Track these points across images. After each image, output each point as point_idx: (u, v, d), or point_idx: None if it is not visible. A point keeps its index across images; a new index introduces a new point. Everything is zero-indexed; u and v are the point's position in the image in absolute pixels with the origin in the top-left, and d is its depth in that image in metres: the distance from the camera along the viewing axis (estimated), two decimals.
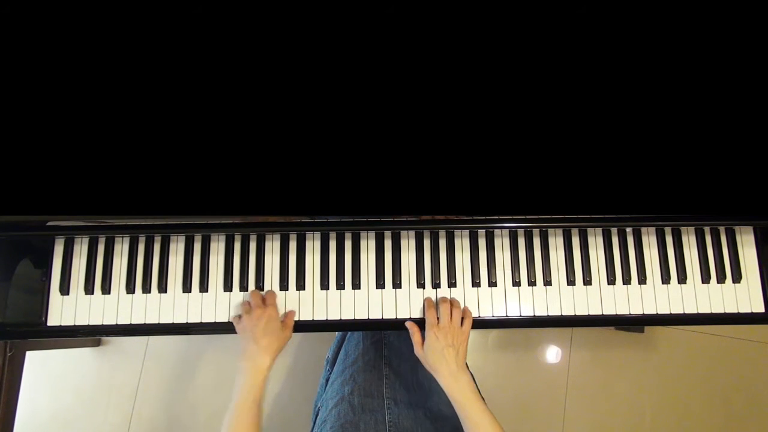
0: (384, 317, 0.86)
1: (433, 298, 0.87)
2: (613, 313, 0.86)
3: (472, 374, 0.95)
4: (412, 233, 0.88)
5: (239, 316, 0.84)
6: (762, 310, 0.86)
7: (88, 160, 0.67)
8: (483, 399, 0.76)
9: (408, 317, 0.86)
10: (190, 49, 0.67)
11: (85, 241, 0.87)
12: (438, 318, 0.81)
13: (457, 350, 0.78)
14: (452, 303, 0.84)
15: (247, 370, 0.76)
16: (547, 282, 0.87)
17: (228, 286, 0.87)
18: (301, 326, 0.86)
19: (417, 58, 0.68)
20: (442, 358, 0.77)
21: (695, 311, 0.86)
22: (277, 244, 0.88)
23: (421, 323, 0.84)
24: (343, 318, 0.86)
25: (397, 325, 0.87)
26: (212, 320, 0.86)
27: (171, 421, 1.53)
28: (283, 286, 0.87)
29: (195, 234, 0.88)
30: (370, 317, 0.86)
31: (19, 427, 1.15)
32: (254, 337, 0.78)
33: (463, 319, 0.83)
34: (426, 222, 0.84)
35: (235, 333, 0.84)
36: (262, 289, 0.87)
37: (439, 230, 0.88)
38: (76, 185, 0.67)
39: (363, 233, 0.88)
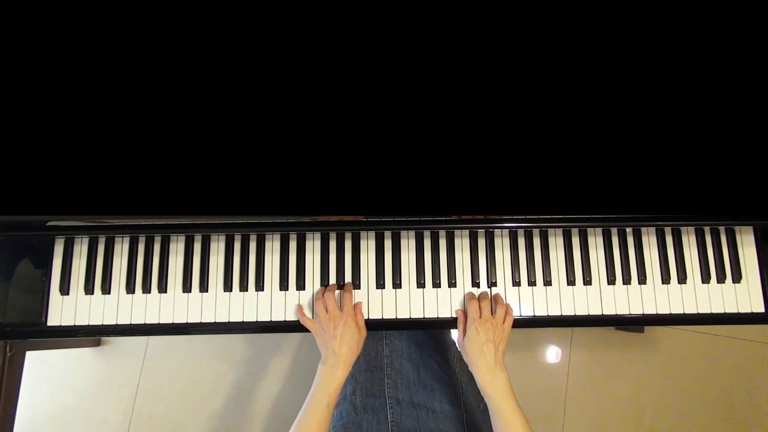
0: (384, 317, 0.86)
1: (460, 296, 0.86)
2: (613, 313, 0.86)
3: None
4: (412, 233, 0.88)
5: (312, 313, 0.83)
6: (762, 310, 0.86)
7: (88, 160, 0.67)
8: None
9: (408, 317, 0.86)
10: (189, 48, 0.67)
11: (85, 241, 0.87)
12: (480, 312, 0.81)
13: (497, 346, 0.78)
14: (496, 299, 0.84)
15: (325, 375, 0.77)
16: (547, 282, 0.87)
17: (228, 286, 0.87)
18: (300, 326, 0.86)
19: (416, 57, 0.68)
20: (481, 354, 0.77)
21: (695, 311, 0.86)
22: (277, 244, 0.88)
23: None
24: None
25: (398, 324, 0.87)
26: (212, 320, 0.86)
27: (171, 421, 1.53)
28: (283, 286, 0.87)
29: (195, 234, 0.88)
30: (370, 317, 0.86)
31: (19, 427, 1.15)
32: (333, 347, 0.78)
33: (505, 316, 0.82)
34: (426, 222, 0.84)
35: (233, 333, 0.83)
36: (263, 289, 0.87)
37: (439, 230, 0.88)
38: (76, 185, 0.67)
39: (363, 233, 0.88)
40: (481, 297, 0.84)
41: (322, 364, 0.79)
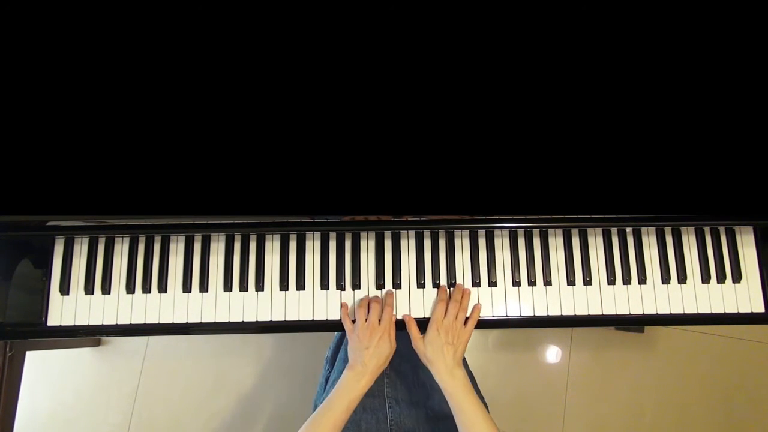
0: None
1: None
2: (613, 313, 0.86)
3: (471, 373, 0.95)
4: (412, 233, 0.88)
5: (353, 319, 0.83)
6: (762, 310, 0.86)
7: (88, 160, 0.67)
8: (477, 395, 0.77)
9: None
10: (190, 48, 0.67)
11: (85, 241, 0.87)
12: (446, 313, 0.81)
13: (456, 348, 0.79)
14: (464, 294, 0.84)
15: (349, 380, 0.77)
16: (547, 282, 0.87)
17: (228, 287, 0.87)
18: (301, 326, 0.86)
19: (417, 58, 0.68)
20: (440, 355, 0.78)
21: (695, 311, 0.86)
22: (277, 244, 0.88)
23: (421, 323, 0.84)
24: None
25: (398, 324, 0.86)
26: (212, 320, 0.86)
27: (171, 421, 1.53)
28: (283, 286, 0.87)
29: (195, 234, 0.88)
30: None
31: (19, 426, 1.15)
32: (364, 358, 0.78)
33: (467, 318, 0.83)
34: (426, 222, 0.84)
35: (233, 333, 0.83)
36: (263, 289, 0.87)
37: (439, 230, 0.88)
38: (76, 185, 0.67)
39: (363, 233, 0.88)
40: (452, 294, 0.84)
41: (349, 369, 0.79)
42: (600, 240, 0.89)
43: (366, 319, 0.81)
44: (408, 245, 0.88)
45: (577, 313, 0.86)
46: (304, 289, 0.87)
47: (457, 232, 0.88)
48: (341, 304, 0.86)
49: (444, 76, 0.69)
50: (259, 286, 0.87)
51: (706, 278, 0.87)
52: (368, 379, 0.78)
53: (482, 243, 0.88)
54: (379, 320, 0.81)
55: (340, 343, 1.00)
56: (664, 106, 0.69)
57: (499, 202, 0.70)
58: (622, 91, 0.69)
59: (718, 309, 0.86)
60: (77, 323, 0.85)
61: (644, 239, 0.88)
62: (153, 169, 0.68)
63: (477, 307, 0.85)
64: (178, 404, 1.54)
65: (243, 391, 1.54)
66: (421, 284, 0.87)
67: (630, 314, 0.86)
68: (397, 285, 0.87)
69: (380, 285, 0.87)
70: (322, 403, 0.77)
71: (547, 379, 1.52)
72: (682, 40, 0.68)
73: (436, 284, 0.87)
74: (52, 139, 0.67)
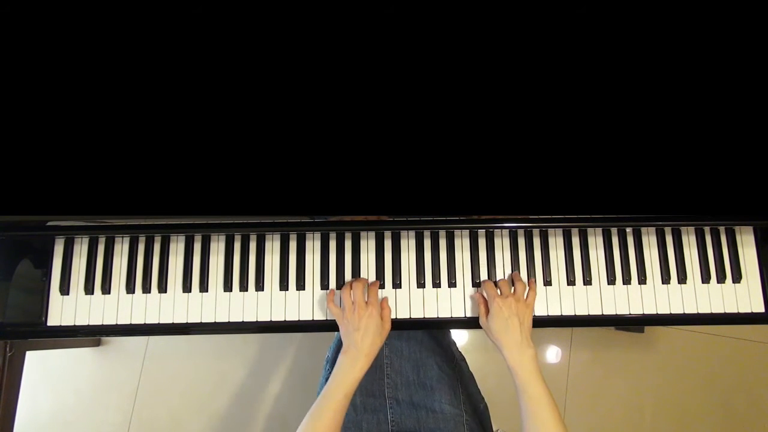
0: None
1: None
2: (613, 313, 0.86)
3: (471, 374, 0.95)
4: (412, 233, 0.88)
5: (340, 305, 0.82)
6: (762, 310, 0.86)
7: (88, 160, 0.67)
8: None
9: (408, 317, 0.86)
10: (189, 49, 0.67)
11: (85, 241, 0.87)
12: (499, 289, 0.81)
13: (522, 321, 0.77)
14: (515, 277, 0.85)
15: (345, 365, 0.77)
16: (547, 282, 0.87)
17: (228, 286, 0.87)
18: (301, 326, 0.86)
19: (417, 59, 0.68)
20: (506, 328, 0.77)
21: (695, 311, 0.86)
22: (277, 244, 0.88)
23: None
24: None
25: (398, 324, 0.86)
26: (212, 320, 0.86)
27: (171, 421, 1.53)
28: (283, 286, 0.87)
29: (195, 234, 0.88)
30: None
31: (19, 427, 1.15)
32: (356, 340, 0.78)
33: (527, 291, 0.82)
34: (426, 222, 0.84)
35: (233, 333, 0.83)
36: (263, 289, 0.87)
37: (439, 230, 0.88)
38: (76, 185, 0.67)
39: (363, 233, 0.88)
40: (499, 281, 0.85)
41: (343, 354, 0.78)
42: (600, 240, 0.89)
43: (352, 302, 0.80)
44: (408, 245, 0.88)
45: (577, 313, 0.86)
46: (304, 289, 0.87)
47: (457, 232, 0.88)
48: (329, 290, 0.86)
49: (444, 77, 0.69)
50: (259, 286, 0.87)
51: (706, 278, 0.87)
52: (364, 362, 0.77)
53: (482, 243, 0.88)
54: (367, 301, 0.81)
55: (341, 344, 1.00)
56: (664, 106, 0.69)
57: (499, 202, 0.70)
58: (622, 91, 0.69)
59: (718, 309, 0.86)
60: (77, 323, 0.85)
61: (644, 239, 0.88)
62: (153, 169, 0.68)
63: (532, 281, 0.85)
64: (178, 404, 1.54)
65: (243, 391, 1.54)
66: (421, 284, 0.87)
67: (630, 314, 0.86)
68: (397, 285, 0.87)
69: (381, 285, 0.87)
70: (321, 393, 0.76)
71: (547, 379, 1.51)
72: (681, 41, 0.68)
73: (436, 284, 0.87)
74: (52, 139, 0.67)
